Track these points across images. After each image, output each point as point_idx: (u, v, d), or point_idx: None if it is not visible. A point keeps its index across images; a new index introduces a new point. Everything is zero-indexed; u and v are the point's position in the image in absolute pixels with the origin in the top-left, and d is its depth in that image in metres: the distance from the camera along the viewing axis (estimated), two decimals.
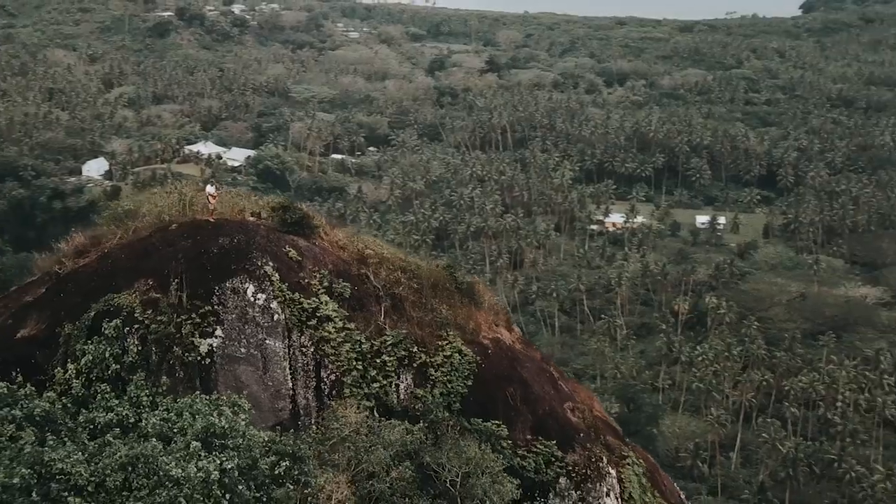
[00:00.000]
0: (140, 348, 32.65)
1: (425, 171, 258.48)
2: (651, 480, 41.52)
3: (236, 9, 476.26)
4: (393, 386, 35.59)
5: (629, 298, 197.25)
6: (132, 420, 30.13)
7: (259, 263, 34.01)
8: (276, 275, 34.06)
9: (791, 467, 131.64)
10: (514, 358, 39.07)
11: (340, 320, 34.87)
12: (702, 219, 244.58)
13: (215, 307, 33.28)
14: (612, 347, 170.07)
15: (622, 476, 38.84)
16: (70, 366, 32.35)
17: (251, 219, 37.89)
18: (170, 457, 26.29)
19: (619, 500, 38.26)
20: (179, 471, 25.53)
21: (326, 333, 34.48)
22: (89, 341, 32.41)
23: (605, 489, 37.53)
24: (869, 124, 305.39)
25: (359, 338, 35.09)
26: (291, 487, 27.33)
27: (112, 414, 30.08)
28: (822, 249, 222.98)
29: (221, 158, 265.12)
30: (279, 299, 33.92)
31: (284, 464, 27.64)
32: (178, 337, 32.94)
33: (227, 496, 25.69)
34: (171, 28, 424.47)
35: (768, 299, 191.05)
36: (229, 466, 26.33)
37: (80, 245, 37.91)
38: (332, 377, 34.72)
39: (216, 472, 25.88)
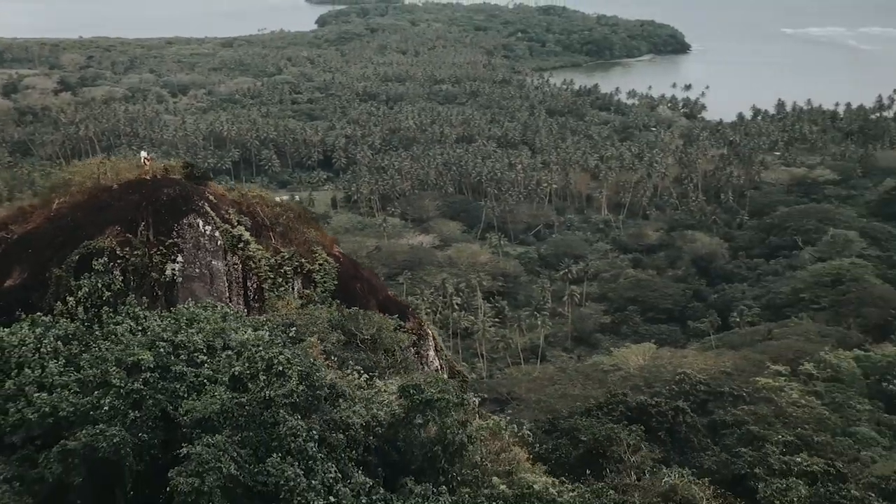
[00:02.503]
0: (122, 278, 36.21)
1: (30, 182, 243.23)
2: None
3: None
4: (291, 288, 41.75)
5: None
6: (139, 328, 34.02)
7: (201, 204, 38.70)
8: (212, 212, 38.92)
9: None
10: (355, 263, 46.70)
11: (255, 243, 40.47)
12: (282, 199, 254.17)
13: (176, 239, 37.64)
14: None
15: (433, 335, 47.83)
16: (70, 298, 35.17)
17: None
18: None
19: (435, 351, 47.19)
20: (242, 336, 30.66)
21: (250, 253, 40.00)
22: (82, 277, 35.41)
23: (429, 344, 46.27)
24: (393, 112, 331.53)
25: (267, 255, 40.87)
26: (312, 340, 33.25)
27: (125, 324, 33.78)
28: (381, 213, 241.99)
29: None
30: (220, 229, 38.85)
31: (293, 328, 33.48)
32: (150, 266, 36.91)
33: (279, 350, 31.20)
34: None
35: (353, 253, 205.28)
36: (267, 332, 31.74)
37: (15, 214, 39.66)
38: (255, 286, 40.34)
39: (262, 335, 31.30)
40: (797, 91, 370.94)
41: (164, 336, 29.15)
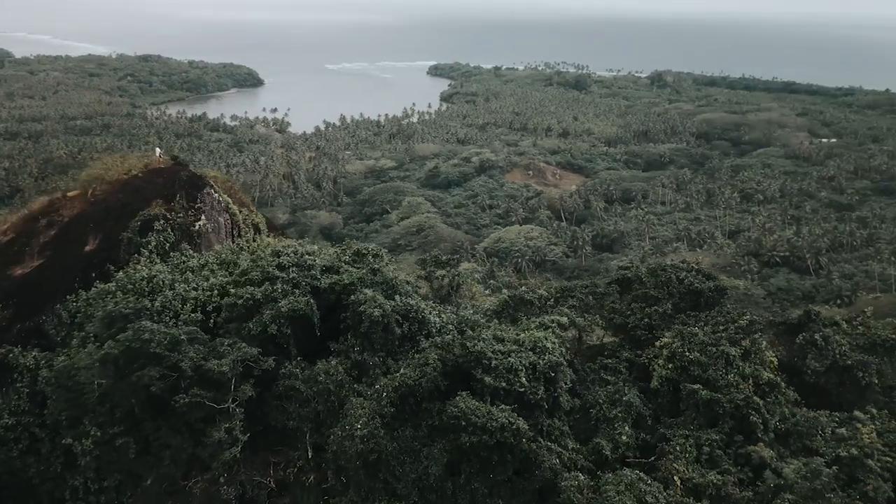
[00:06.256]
0: (173, 233, 38.98)
1: None
2: None
3: None
4: (251, 234, 46.20)
5: None
6: (202, 262, 37.82)
7: (208, 180, 41.82)
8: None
9: None
10: (266, 218, 51.32)
11: (233, 205, 44.44)
12: None
13: (199, 204, 40.73)
14: None
15: None
16: (144, 251, 37.44)
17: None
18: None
19: None
20: (310, 247, 36.48)
21: (233, 210, 43.94)
22: (148, 235, 37.75)
23: None
24: (42, 145, 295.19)
25: (237, 212, 45.02)
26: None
27: (193, 260, 37.48)
28: None
29: None
30: (221, 196, 42.38)
31: (313, 246, 39.40)
32: (187, 224, 39.92)
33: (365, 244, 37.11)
34: None
35: None
36: (313, 246, 37.72)
37: (47, 204, 39.42)
38: (237, 233, 44.33)
39: (314, 248, 37.28)
40: (350, 108, 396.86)
41: (280, 249, 34.34)
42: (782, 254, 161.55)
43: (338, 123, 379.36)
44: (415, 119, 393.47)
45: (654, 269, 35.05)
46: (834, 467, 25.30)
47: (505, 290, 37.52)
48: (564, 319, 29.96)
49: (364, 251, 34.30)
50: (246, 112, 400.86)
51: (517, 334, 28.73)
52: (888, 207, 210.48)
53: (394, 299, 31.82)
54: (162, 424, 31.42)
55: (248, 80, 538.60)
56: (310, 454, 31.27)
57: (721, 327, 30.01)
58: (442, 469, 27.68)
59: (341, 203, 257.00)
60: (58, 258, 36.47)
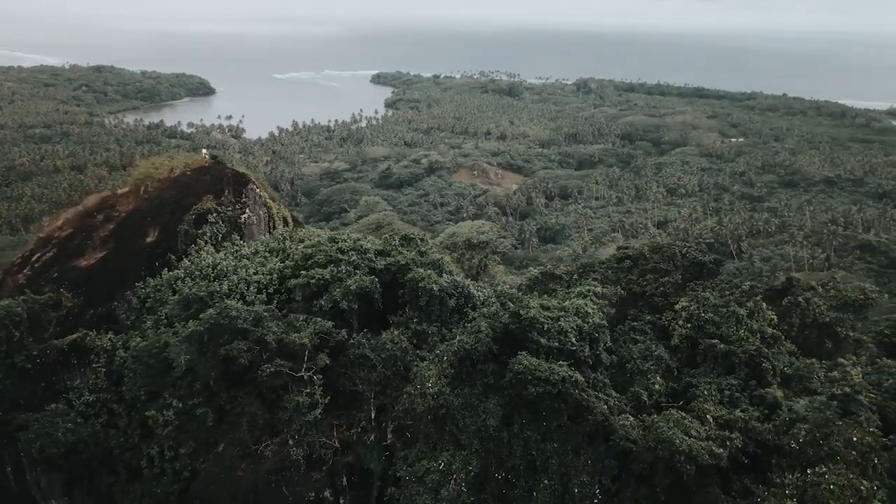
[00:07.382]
0: (223, 225, 39.66)
1: None
2: None
3: None
4: (282, 226, 47.00)
5: None
6: (253, 250, 38.80)
7: (250, 176, 42.46)
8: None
9: None
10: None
11: (269, 200, 45.21)
12: None
13: (244, 199, 41.43)
14: None
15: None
16: (200, 241, 38.07)
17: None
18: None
19: None
20: (355, 235, 37.85)
21: (269, 204, 44.72)
22: (203, 226, 38.35)
23: None
24: (2, 153, 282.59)
25: (272, 205, 45.79)
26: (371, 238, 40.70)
27: (245, 248, 38.41)
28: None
29: None
30: (262, 191, 43.10)
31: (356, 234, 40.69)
32: (234, 216, 40.63)
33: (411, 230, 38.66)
34: None
35: None
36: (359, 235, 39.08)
37: (101, 201, 39.49)
38: (272, 224, 45.16)
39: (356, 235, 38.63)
40: (300, 115, 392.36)
41: (336, 236, 35.66)
42: (708, 241, 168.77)
43: (291, 129, 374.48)
44: (363, 124, 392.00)
45: (655, 247, 37.82)
46: (833, 403, 28.34)
47: (532, 268, 39.93)
48: (599, 289, 32.41)
49: (411, 236, 35.92)
50: (201, 119, 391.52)
51: (560, 302, 30.95)
52: (793, 198, 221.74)
53: (442, 277, 33.60)
54: (238, 394, 32.49)
55: (201, 90, 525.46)
56: (373, 415, 32.83)
57: (727, 292, 32.98)
58: (498, 421, 29.68)
59: (300, 203, 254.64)
60: (120, 249, 36.83)
